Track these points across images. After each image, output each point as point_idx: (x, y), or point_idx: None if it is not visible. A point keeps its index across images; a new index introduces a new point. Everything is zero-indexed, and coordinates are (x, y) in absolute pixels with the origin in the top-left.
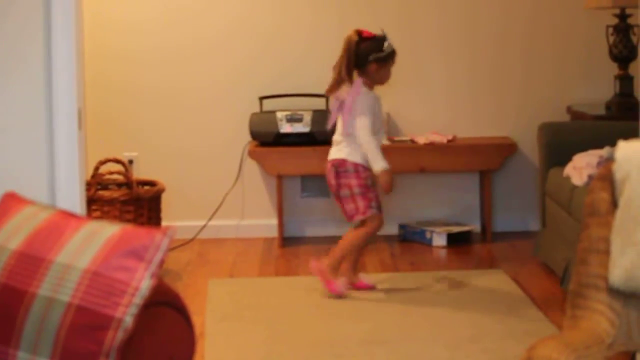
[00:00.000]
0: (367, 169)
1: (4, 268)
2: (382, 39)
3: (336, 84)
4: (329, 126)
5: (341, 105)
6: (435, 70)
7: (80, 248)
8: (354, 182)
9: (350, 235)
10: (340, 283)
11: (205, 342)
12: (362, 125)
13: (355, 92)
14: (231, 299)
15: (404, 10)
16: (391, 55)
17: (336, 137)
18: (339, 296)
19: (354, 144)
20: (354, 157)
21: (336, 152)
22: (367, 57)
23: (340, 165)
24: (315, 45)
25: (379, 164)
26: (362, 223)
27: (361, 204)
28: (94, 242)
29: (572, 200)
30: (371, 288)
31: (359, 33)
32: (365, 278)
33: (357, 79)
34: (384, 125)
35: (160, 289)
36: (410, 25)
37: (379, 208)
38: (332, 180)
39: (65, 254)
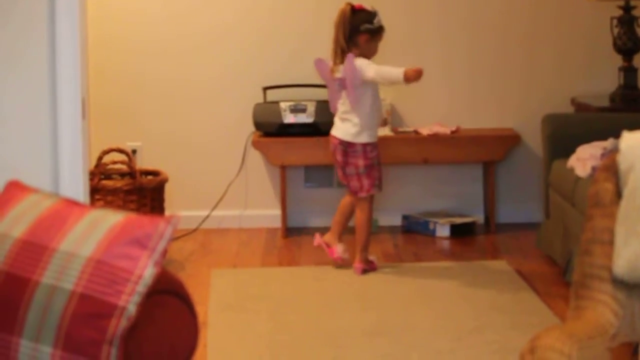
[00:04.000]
0: (374, 147)
1: (8, 256)
2: (373, 13)
3: (339, 54)
4: (333, 109)
5: (342, 83)
6: (438, 61)
7: (83, 236)
8: (361, 162)
9: (362, 222)
10: (340, 250)
11: (208, 331)
12: (368, 68)
13: (350, 65)
14: (234, 289)
15: (405, 3)
16: (380, 30)
17: (342, 114)
18: (341, 261)
19: (361, 120)
20: (362, 138)
21: (344, 131)
22: (358, 28)
23: (349, 146)
24: (318, 35)
25: (397, 74)
26: (361, 200)
27: (366, 182)
28: (97, 230)
29: (576, 191)
30: (340, 261)
31: (352, 5)
32: (340, 249)
33: (349, 55)
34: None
35: (164, 277)
36: (414, 16)
37: (380, 186)
38: (340, 157)
39: (68, 242)
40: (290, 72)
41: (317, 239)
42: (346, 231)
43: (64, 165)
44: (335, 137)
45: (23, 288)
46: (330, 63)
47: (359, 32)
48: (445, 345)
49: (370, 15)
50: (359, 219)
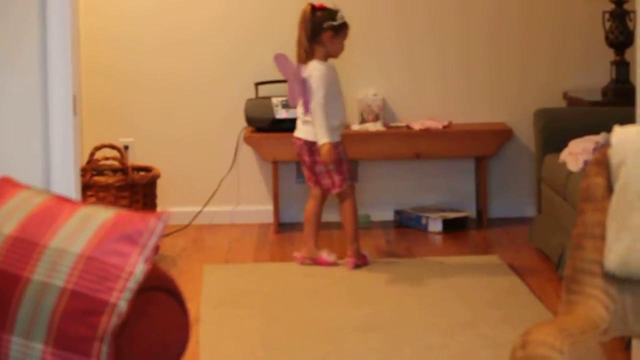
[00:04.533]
0: (338, 144)
1: None
2: (335, 10)
3: (302, 54)
4: (294, 104)
5: (304, 83)
6: (430, 55)
7: (74, 233)
8: None
9: (348, 215)
10: (325, 255)
11: (200, 327)
12: (317, 101)
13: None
14: (226, 284)
15: None
16: (344, 26)
17: (304, 115)
18: (333, 264)
19: None
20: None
21: (306, 132)
22: (321, 25)
23: (313, 145)
24: None
25: (322, 138)
26: (342, 194)
27: (337, 178)
28: (88, 226)
29: (568, 186)
30: (332, 264)
31: (312, 5)
32: (325, 254)
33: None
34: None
35: (155, 273)
36: (405, 10)
37: (352, 178)
38: (306, 157)
39: (59, 239)
40: None
41: (299, 258)
42: (332, 230)
43: (55, 162)
44: (299, 138)
45: (14, 285)
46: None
47: (322, 30)
48: (438, 339)
49: (332, 13)
50: (344, 213)
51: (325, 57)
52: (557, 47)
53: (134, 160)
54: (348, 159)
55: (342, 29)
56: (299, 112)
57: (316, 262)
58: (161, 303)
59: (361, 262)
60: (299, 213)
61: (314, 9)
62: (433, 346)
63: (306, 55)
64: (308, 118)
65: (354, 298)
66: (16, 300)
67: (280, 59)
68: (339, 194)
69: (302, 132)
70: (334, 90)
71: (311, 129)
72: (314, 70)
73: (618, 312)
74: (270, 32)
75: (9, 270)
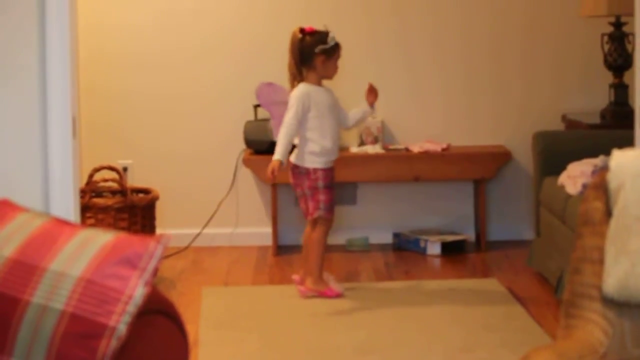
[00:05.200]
0: (318, 170)
1: None
2: (325, 33)
3: (293, 82)
4: (275, 134)
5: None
6: (430, 78)
7: (73, 256)
8: (306, 183)
9: (312, 244)
10: (332, 284)
11: (199, 350)
12: (285, 118)
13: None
14: (225, 307)
15: (399, 18)
16: (336, 47)
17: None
18: (340, 296)
19: (302, 146)
20: (304, 161)
21: (294, 155)
22: (312, 50)
23: (295, 168)
24: None
25: (275, 155)
26: (315, 222)
27: (311, 204)
28: (87, 249)
29: (567, 209)
30: (340, 296)
31: (302, 29)
32: (333, 283)
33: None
34: (345, 119)
35: (154, 297)
36: (406, 33)
37: (329, 209)
38: (292, 180)
39: (59, 262)
40: None
41: (303, 291)
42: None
43: (54, 184)
44: (290, 162)
45: (13, 307)
46: (285, 87)
47: (313, 55)
48: None
49: (323, 36)
50: (309, 239)
51: (318, 81)
52: (556, 70)
53: (133, 182)
54: (330, 189)
55: (334, 51)
56: None
57: (322, 294)
58: (160, 326)
59: (317, 293)
60: (298, 236)
61: (303, 33)
62: None
63: (296, 81)
64: (296, 141)
65: (352, 321)
66: (16, 322)
67: (264, 89)
68: (311, 221)
69: (292, 155)
70: (320, 111)
71: (296, 151)
72: (294, 91)
73: (617, 337)
74: (270, 55)
75: (8, 292)
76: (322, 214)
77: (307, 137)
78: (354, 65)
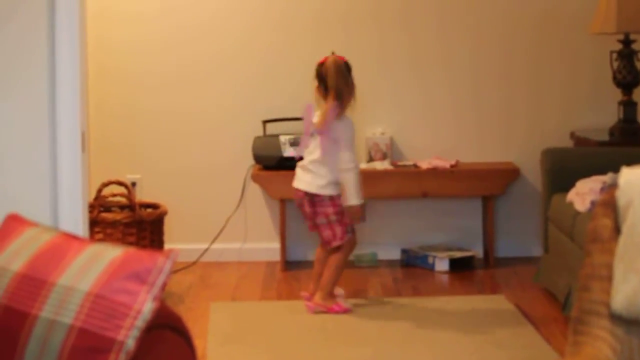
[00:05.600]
0: (339, 197)
1: (6, 290)
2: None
3: (336, 109)
4: (302, 152)
5: (318, 130)
6: (439, 94)
7: (82, 270)
8: (330, 210)
9: (332, 261)
10: (340, 300)
11: None
12: (350, 158)
13: (333, 116)
14: (233, 322)
15: (408, 34)
16: None
17: (308, 163)
18: (347, 311)
19: (327, 173)
20: (328, 190)
21: (308, 183)
22: (352, 79)
23: (315, 197)
24: None
25: (354, 200)
26: (338, 246)
27: (338, 230)
28: (96, 264)
29: (575, 226)
30: (347, 311)
31: (343, 58)
32: (342, 300)
33: (332, 103)
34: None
35: (163, 312)
36: (415, 49)
37: (353, 230)
38: (308, 208)
39: (67, 277)
40: (290, 106)
41: (311, 307)
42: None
43: (63, 198)
44: (299, 190)
45: (22, 322)
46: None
47: (352, 84)
48: None
49: (350, 68)
50: (332, 260)
51: (342, 112)
52: (565, 87)
53: (142, 197)
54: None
55: None
56: (306, 158)
57: (330, 310)
58: (168, 341)
59: (325, 309)
60: (306, 251)
61: (345, 63)
62: None
63: (340, 109)
64: (311, 166)
65: (360, 337)
66: (24, 337)
67: (310, 110)
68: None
69: (302, 182)
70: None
71: (312, 179)
72: (344, 123)
73: (625, 354)
74: (279, 71)
75: (17, 307)
76: (351, 236)
77: (334, 165)
78: (364, 82)
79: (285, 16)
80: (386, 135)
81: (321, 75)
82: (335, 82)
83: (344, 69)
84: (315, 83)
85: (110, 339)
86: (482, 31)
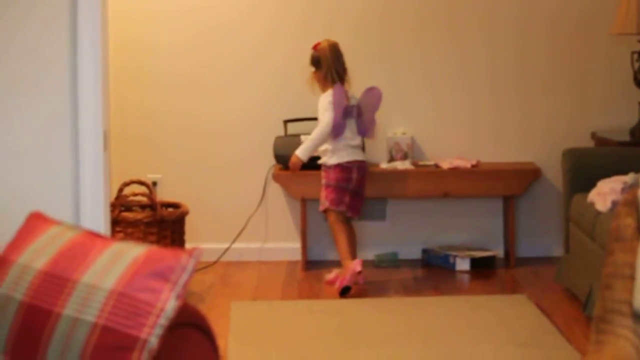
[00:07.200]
0: (345, 168)
1: (30, 287)
2: None
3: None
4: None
5: (357, 110)
6: (459, 95)
7: (105, 268)
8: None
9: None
10: (353, 265)
11: None
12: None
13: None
14: (254, 322)
15: (425, 37)
16: None
17: (353, 140)
18: (357, 272)
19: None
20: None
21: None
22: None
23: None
24: None
25: (300, 152)
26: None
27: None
28: (119, 262)
29: (596, 226)
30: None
31: None
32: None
33: (337, 85)
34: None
35: (186, 310)
36: (434, 51)
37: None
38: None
39: (90, 274)
40: (311, 105)
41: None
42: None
43: (85, 197)
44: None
45: (45, 320)
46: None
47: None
48: None
49: None
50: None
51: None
52: (586, 87)
53: (162, 197)
54: (334, 187)
55: None
56: (350, 139)
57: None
58: (192, 339)
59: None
60: (327, 251)
61: None
62: None
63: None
64: (357, 142)
65: (380, 336)
66: (47, 335)
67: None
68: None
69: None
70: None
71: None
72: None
73: None
74: (299, 70)
75: (40, 305)
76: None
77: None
78: (384, 82)
79: (305, 17)
80: (407, 135)
81: (315, 59)
82: (334, 63)
83: (339, 50)
84: (311, 69)
85: (134, 337)
86: (499, 31)
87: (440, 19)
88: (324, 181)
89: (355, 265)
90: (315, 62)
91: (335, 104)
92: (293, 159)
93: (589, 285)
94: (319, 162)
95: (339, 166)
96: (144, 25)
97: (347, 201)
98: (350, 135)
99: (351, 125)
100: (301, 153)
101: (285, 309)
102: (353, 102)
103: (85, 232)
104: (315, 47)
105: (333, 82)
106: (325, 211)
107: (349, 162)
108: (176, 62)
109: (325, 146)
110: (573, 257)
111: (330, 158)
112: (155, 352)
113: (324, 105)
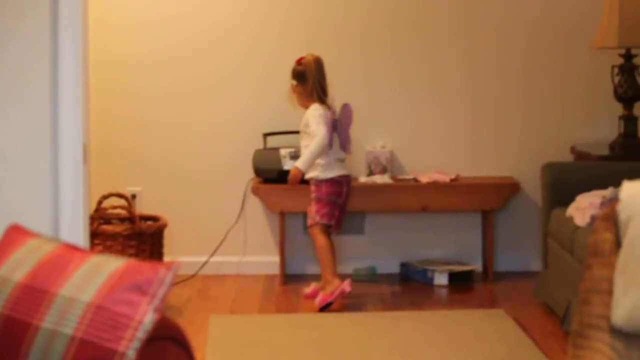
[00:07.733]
0: (337, 182)
1: (8, 300)
2: None
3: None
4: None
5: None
6: (438, 109)
7: (84, 281)
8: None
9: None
10: (343, 286)
11: None
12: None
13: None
14: (232, 335)
15: (404, 50)
16: None
17: (339, 154)
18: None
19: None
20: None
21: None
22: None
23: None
24: None
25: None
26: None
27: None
28: (98, 275)
29: (575, 241)
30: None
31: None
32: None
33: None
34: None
35: (164, 323)
36: (413, 64)
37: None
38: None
39: (69, 287)
40: (290, 119)
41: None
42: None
43: (64, 210)
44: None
45: (23, 332)
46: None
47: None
48: None
49: None
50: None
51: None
52: (566, 100)
53: (141, 209)
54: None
55: None
56: (337, 153)
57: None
58: (169, 353)
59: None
60: (306, 264)
61: None
62: None
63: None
64: (342, 156)
65: (358, 351)
66: (25, 347)
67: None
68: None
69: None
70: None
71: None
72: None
73: None
74: (279, 84)
75: (18, 317)
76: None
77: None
78: (363, 96)
79: (285, 30)
80: (386, 149)
81: (300, 73)
82: (318, 78)
83: (323, 65)
84: (293, 82)
85: (111, 350)
86: (478, 45)
87: (419, 33)
88: (313, 195)
89: (345, 286)
90: (300, 76)
91: (324, 117)
92: (293, 171)
93: (567, 300)
94: (307, 176)
95: (331, 180)
96: (122, 37)
97: (337, 215)
98: (337, 150)
99: (335, 140)
100: (302, 165)
101: (263, 322)
102: (336, 116)
103: (64, 244)
104: (299, 61)
105: (318, 97)
106: (310, 225)
107: (340, 177)
108: (155, 74)
109: (317, 160)
110: (551, 272)
111: (322, 172)
112: None
113: (315, 118)
